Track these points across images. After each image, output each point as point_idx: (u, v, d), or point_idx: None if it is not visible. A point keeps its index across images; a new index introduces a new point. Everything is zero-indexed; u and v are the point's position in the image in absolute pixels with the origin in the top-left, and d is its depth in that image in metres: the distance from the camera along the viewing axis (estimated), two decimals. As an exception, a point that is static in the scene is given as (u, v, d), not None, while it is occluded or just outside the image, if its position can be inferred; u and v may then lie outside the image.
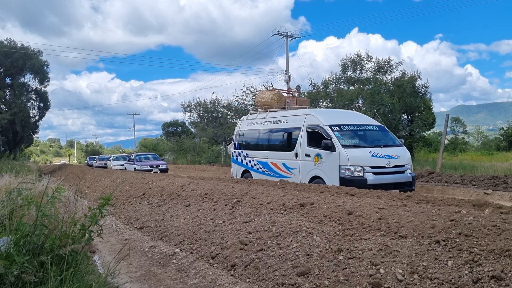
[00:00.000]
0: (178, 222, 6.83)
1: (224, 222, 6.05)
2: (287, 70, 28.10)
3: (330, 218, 4.96)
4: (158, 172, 21.57)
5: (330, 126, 9.50)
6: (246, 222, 5.72)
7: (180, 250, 5.61)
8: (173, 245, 5.89)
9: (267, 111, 12.32)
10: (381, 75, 22.86)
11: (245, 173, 12.30)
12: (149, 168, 23.29)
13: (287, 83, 27.89)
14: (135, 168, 23.33)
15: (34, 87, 41.42)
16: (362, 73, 23.24)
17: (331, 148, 9.02)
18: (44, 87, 41.63)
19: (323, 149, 9.18)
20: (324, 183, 8.88)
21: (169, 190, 9.43)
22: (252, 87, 27.42)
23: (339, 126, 9.59)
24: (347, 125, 9.83)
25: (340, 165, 8.80)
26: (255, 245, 4.85)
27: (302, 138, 9.99)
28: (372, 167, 8.81)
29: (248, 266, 4.47)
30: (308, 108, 12.92)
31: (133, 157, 26.67)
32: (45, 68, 40.04)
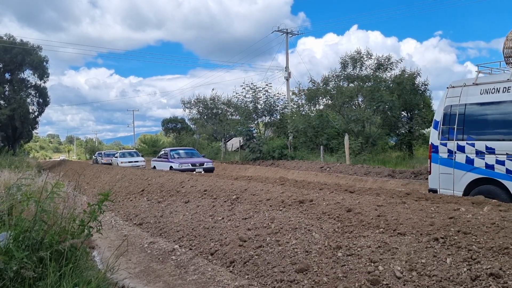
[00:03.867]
0: (177, 219, 6.83)
1: (223, 218, 6.05)
2: (287, 67, 28.07)
3: (329, 215, 4.97)
4: (202, 172, 16.08)
5: None
6: (245, 218, 5.72)
7: (179, 246, 5.62)
8: (172, 241, 5.90)
9: None
10: (381, 73, 22.82)
11: (481, 184, 6.64)
12: (191, 167, 17.23)
13: (287, 80, 27.89)
14: (171, 167, 17.47)
15: (34, 83, 41.29)
16: (362, 70, 23.19)
17: None
18: (44, 82, 41.49)
19: None
20: None
21: (168, 187, 9.43)
22: (252, 83, 27.38)
23: None
24: None
25: None
26: (254, 241, 4.86)
27: None
28: None
29: (247, 263, 4.48)
30: None
31: (165, 153, 19.82)
32: (44, 63, 39.87)
